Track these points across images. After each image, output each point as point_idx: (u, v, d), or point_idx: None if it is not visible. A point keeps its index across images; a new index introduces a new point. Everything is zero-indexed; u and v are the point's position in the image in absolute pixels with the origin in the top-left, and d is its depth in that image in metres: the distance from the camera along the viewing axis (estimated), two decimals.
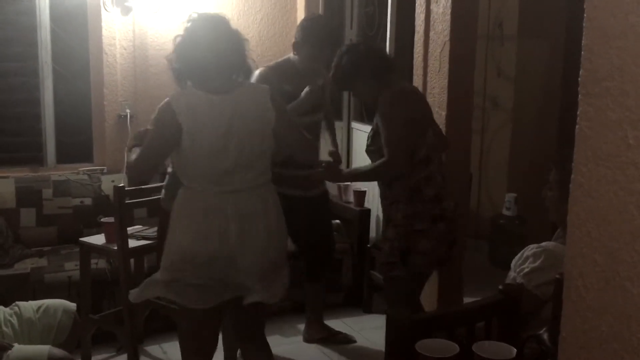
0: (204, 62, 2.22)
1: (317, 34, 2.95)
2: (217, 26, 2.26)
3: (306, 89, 3.01)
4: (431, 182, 2.68)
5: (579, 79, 1.17)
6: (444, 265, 2.90)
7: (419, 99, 2.80)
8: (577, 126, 1.18)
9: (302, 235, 3.28)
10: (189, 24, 2.27)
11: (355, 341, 3.51)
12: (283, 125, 2.31)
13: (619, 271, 1.15)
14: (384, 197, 2.81)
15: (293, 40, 4.54)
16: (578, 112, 1.18)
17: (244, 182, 2.24)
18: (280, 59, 3.27)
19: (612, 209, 1.15)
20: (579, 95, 1.18)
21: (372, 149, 2.75)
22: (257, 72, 2.92)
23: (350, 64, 2.72)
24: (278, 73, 3.05)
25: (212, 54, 2.21)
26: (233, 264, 2.22)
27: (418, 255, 2.66)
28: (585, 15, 1.15)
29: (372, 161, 2.75)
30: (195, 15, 2.28)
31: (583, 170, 1.18)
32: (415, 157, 2.66)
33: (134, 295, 2.37)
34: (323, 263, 3.39)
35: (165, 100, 2.22)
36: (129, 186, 3.24)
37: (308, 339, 3.51)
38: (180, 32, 2.27)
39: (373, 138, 2.74)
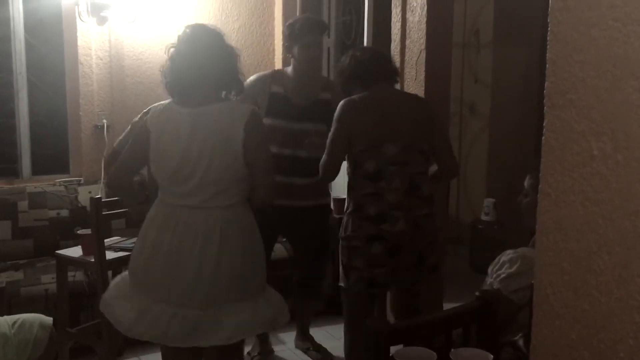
0: (185, 76, 2.22)
1: (300, 30, 2.96)
2: (203, 40, 2.24)
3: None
4: (377, 199, 2.53)
5: (545, 91, 1.19)
6: (385, 289, 2.81)
7: (377, 110, 2.60)
8: (543, 137, 1.20)
9: (298, 244, 3.31)
10: (181, 36, 2.26)
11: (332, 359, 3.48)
12: (253, 153, 2.20)
13: (587, 280, 1.17)
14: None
15: (272, 48, 4.63)
16: (544, 124, 1.20)
17: (197, 200, 2.18)
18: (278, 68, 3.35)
19: (578, 218, 1.16)
20: (545, 107, 1.20)
21: None
22: (251, 77, 3.04)
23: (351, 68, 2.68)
24: (270, 76, 3.09)
25: (197, 69, 2.20)
26: (173, 282, 2.17)
27: (353, 272, 2.61)
28: (549, 28, 1.17)
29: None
30: (189, 29, 2.26)
31: (550, 180, 1.20)
32: (362, 170, 2.57)
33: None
34: (316, 275, 3.33)
35: (145, 109, 2.29)
36: (107, 197, 3.22)
37: (297, 346, 3.54)
38: (173, 42, 2.27)
39: None
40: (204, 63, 2.21)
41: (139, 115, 3.02)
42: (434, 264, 2.66)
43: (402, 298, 2.77)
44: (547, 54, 1.17)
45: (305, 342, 3.49)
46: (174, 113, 2.23)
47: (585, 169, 1.14)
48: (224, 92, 2.29)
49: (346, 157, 2.64)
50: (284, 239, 3.57)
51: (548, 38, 1.17)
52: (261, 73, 3.17)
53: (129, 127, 3.16)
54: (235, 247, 2.21)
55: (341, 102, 2.61)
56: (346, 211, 2.66)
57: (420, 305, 2.74)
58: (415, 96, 2.88)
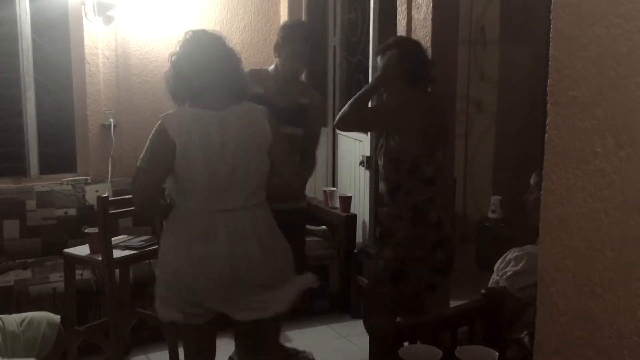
0: (199, 81, 2.20)
1: (296, 34, 2.94)
2: (211, 44, 2.24)
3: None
4: (434, 205, 2.59)
5: (547, 88, 1.19)
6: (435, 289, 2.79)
7: (436, 112, 2.67)
8: (546, 134, 1.19)
9: None
10: (183, 42, 2.24)
11: None
12: (279, 149, 2.28)
13: (591, 277, 1.17)
14: (385, 204, 2.71)
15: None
16: (547, 121, 1.19)
17: (237, 201, 2.20)
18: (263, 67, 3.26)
19: (581, 215, 1.16)
20: (548, 104, 1.19)
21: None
22: None
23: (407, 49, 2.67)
24: (253, 76, 3.02)
25: (207, 73, 2.20)
26: (224, 285, 2.19)
27: (413, 280, 2.61)
28: (551, 26, 1.17)
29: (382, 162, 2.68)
30: (190, 33, 2.25)
31: (553, 177, 1.20)
32: (422, 175, 2.57)
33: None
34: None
35: (158, 122, 2.19)
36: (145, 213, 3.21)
37: None
38: (175, 49, 2.24)
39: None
40: (210, 65, 2.21)
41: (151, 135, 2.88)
42: None
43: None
44: (550, 51, 1.17)
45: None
46: (198, 118, 2.18)
47: (588, 166, 1.13)
48: (236, 96, 2.29)
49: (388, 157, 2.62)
50: None
51: (550, 35, 1.16)
52: None
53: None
54: (274, 244, 2.29)
55: (416, 99, 2.59)
56: (398, 216, 2.62)
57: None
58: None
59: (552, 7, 1.18)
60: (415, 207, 2.57)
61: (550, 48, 1.18)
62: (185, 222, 2.22)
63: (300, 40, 2.91)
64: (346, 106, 2.60)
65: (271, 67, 3.03)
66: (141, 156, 2.21)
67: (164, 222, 2.38)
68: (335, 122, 2.68)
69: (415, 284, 2.62)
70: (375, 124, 2.78)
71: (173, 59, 2.24)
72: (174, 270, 2.20)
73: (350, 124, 2.69)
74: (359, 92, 2.61)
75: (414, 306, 2.76)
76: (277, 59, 3.00)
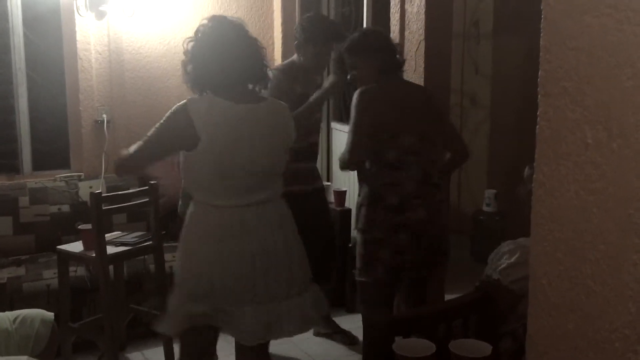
0: (226, 68, 2.13)
1: (318, 32, 2.95)
2: (237, 30, 2.18)
3: (330, 79, 2.96)
4: (397, 188, 2.58)
5: (538, 79, 1.18)
6: (410, 275, 2.75)
7: (394, 101, 2.64)
8: (537, 126, 1.19)
9: (308, 232, 3.25)
10: (205, 28, 2.16)
11: (357, 343, 3.48)
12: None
13: (582, 270, 1.16)
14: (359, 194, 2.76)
15: (271, 42, 4.61)
16: (538, 112, 1.19)
17: (263, 196, 2.18)
18: (286, 61, 3.29)
19: (573, 208, 1.16)
20: (539, 96, 1.18)
21: None
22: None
23: (371, 44, 2.66)
24: (288, 75, 3.05)
25: (233, 59, 2.13)
26: (255, 283, 2.14)
27: (377, 263, 2.61)
28: (542, 16, 1.16)
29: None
30: (211, 20, 2.17)
31: (544, 169, 1.19)
32: (382, 159, 2.60)
33: (167, 328, 2.22)
34: (330, 259, 3.35)
35: (183, 102, 2.10)
36: (118, 176, 3.21)
37: (315, 333, 3.56)
38: (195, 36, 2.16)
39: None
40: (236, 54, 2.13)
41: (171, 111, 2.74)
42: (446, 248, 2.73)
43: (413, 287, 2.77)
44: (541, 42, 1.16)
45: (328, 327, 3.50)
46: (228, 110, 2.11)
47: (580, 158, 1.13)
48: (259, 85, 2.25)
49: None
50: None
51: (541, 25, 1.15)
52: (276, 72, 3.02)
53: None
54: (295, 236, 2.29)
55: (358, 92, 2.62)
56: (361, 203, 2.66)
57: (426, 293, 2.77)
58: (419, 86, 2.94)
59: None
60: (373, 191, 2.61)
61: (541, 39, 1.17)
62: (216, 218, 2.14)
63: (322, 40, 2.98)
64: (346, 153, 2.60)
65: (293, 61, 3.10)
66: (153, 132, 2.12)
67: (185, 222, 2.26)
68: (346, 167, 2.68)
69: (383, 267, 2.61)
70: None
71: (190, 46, 2.16)
72: (208, 268, 2.12)
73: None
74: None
75: (412, 290, 2.78)
76: (301, 57, 3.02)
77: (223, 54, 2.13)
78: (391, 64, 2.69)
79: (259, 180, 2.17)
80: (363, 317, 2.84)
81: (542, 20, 1.16)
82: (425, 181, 2.62)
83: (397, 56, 2.75)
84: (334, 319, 3.73)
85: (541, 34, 1.17)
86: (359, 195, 2.76)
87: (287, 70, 3.10)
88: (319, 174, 3.39)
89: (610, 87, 1.07)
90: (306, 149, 3.17)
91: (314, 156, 3.35)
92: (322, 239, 3.29)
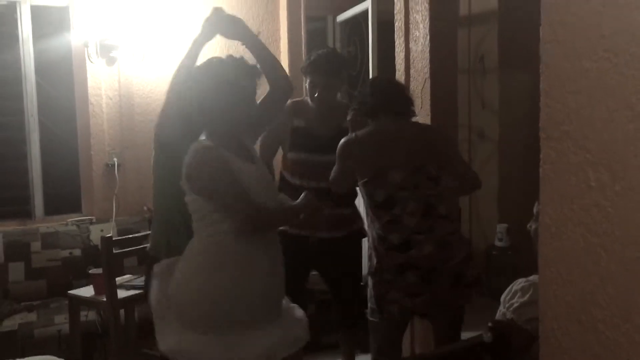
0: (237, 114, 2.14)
1: (311, 62, 2.97)
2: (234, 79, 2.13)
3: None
4: (397, 226, 2.53)
5: (539, 123, 1.19)
6: (425, 316, 2.73)
7: (377, 141, 2.63)
8: (540, 169, 1.19)
9: (332, 277, 3.21)
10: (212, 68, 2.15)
11: None
12: None
13: (593, 313, 1.15)
14: None
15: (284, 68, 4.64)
16: (541, 155, 1.19)
17: None
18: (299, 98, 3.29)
19: (580, 250, 1.15)
20: (540, 139, 1.19)
21: None
22: None
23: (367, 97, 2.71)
24: (292, 109, 3.03)
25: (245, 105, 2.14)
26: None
27: (392, 305, 2.58)
28: (541, 60, 1.17)
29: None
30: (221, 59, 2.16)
31: (550, 212, 1.19)
32: (373, 201, 2.58)
33: None
34: (357, 306, 3.24)
35: (212, 158, 2.06)
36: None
37: None
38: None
39: None
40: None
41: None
42: (474, 279, 2.62)
43: (444, 326, 2.71)
44: (541, 85, 1.17)
45: None
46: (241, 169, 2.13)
47: (584, 200, 1.12)
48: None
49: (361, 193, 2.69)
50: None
51: (540, 70, 1.16)
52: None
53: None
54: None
55: (341, 141, 2.65)
56: (369, 247, 2.66)
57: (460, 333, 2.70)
58: (422, 124, 2.91)
59: (540, 42, 1.18)
60: (377, 233, 2.61)
61: (540, 82, 1.18)
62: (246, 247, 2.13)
63: (314, 69, 2.94)
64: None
65: (307, 97, 3.06)
66: (236, 199, 2.07)
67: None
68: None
69: (395, 308, 2.58)
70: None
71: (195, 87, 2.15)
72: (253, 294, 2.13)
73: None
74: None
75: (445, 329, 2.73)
76: (310, 90, 3.01)
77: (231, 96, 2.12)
78: (385, 108, 2.67)
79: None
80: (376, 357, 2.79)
81: (540, 64, 1.17)
82: (428, 214, 2.54)
83: (402, 97, 2.74)
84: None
85: (541, 78, 1.17)
86: (368, 240, 2.75)
87: (292, 103, 3.09)
88: (350, 219, 3.19)
89: (611, 130, 1.07)
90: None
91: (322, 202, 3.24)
92: (352, 287, 3.24)
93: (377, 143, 2.62)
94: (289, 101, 3.14)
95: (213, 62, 2.17)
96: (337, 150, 2.65)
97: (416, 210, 2.53)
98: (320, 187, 2.92)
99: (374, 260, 2.61)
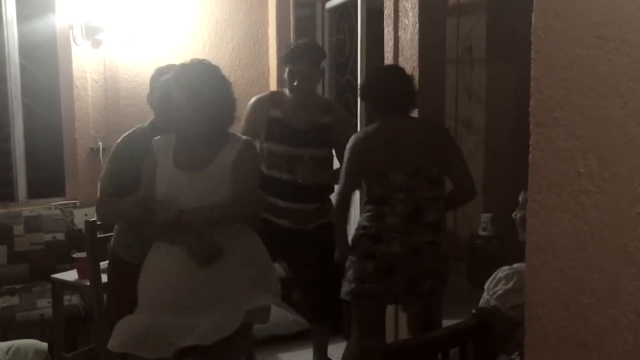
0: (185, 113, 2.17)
1: (289, 52, 2.95)
2: (203, 75, 2.20)
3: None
4: (378, 221, 2.62)
5: (530, 109, 1.19)
6: (379, 305, 2.77)
7: (385, 140, 2.66)
8: (530, 155, 1.19)
9: (305, 272, 3.17)
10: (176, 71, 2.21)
11: None
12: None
13: (579, 299, 1.16)
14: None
15: (266, 68, 4.65)
16: (530, 142, 1.19)
17: None
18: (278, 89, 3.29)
19: (568, 237, 1.15)
20: (530, 125, 1.19)
21: None
22: (251, 99, 3.06)
23: (370, 82, 2.75)
24: (269, 99, 3.03)
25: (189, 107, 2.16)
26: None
27: (345, 283, 2.72)
28: (532, 47, 1.17)
29: None
30: (184, 64, 2.23)
31: (538, 198, 1.19)
32: (370, 194, 2.68)
33: None
34: (328, 304, 3.19)
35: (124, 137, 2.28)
36: None
37: None
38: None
39: None
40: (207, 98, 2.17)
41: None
42: (429, 291, 2.66)
43: (419, 314, 2.79)
44: (532, 72, 1.17)
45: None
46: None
47: (573, 187, 1.13)
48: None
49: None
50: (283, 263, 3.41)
51: (532, 56, 1.16)
52: (260, 96, 3.10)
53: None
54: None
55: (352, 137, 2.70)
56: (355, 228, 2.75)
57: (437, 321, 2.77)
58: (428, 122, 2.90)
59: (532, 28, 1.18)
60: (360, 220, 2.70)
61: (531, 69, 1.18)
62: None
63: (293, 57, 2.92)
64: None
65: (287, 89, 3.03)
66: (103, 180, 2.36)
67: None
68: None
69: (350, 288, 2.67)
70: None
71: (164, 82, 2.23)
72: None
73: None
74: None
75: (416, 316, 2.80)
76: (288, 80, 2.99)
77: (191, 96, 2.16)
78: (396, 103, 2.70)
79: None
80: (361, 346, 2.80)
81: (532, 51, 1.17)
82: (412, 219, 2.59)
83: (410, 91, 2.75)
84: (332, 345, 3.70)
85: (532, 65, 1.18)
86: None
87: (270, 95, 3.10)
88: (323, 212, 3.16)
89: (601, 117, 1.07)
90: (286, 185, 3.04)
91: (298, 196, 3.11)
92: (327, 280, 3.19)
93: (382, 142, 2.66)
94: (266, 92, 3.16)
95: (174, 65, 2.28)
96: (347, 146, 2.67)
97: (402, 213, 2.60)
98: (293, 180, 2.92)
99: (351, 242, 2.72)
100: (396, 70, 2.86)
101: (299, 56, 2.91)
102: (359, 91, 2.86)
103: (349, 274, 2.69)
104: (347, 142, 2.76)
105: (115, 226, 2.69)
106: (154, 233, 2.25)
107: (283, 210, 2.98)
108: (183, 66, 2.21)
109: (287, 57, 2.94)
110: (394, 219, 2.60)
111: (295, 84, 2.91)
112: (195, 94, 2.15)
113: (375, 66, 2.96)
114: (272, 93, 3.13)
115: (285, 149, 2.97)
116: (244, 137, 2.35)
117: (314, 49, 3.01)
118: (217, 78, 2.24)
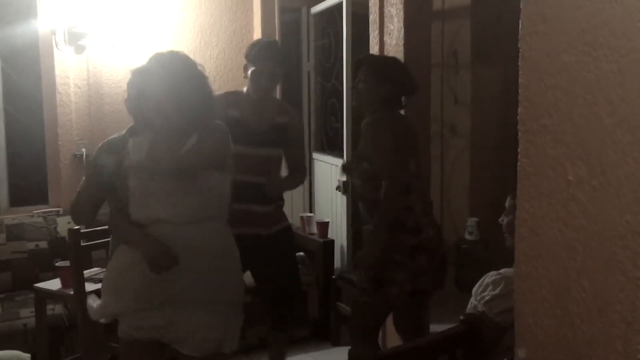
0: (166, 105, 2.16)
1: (257, 51, 2.91)
2: (178, 67, 2.23)
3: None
4: (412, 212, 2.62)
5: (518, 116, 1.18)
6: (418, 298, 2.74)
7: (405, 127, 2.73)
8: (518, 163, 1.18)
9: (264, 280, 3.04)
10: (151, 62, 2.23)
11: None
12: None
13: (569, 308, 1.15)
14: (365, 222, 2.76)
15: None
16: (519, 149, 1.18)
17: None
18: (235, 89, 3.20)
19: (557, 245, 1.15)
20: (519, 132, 1.18)
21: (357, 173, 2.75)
22: None
23: (382, 69, 2.75)
24: (226, 99, 2.92)
25: (166, 94, 2.16)
26: None
27: (394, 286, 2.60)
28: (520, 53, 1.16)
29: (362, 184, 2.71)
30: (159, 55, 2.25)
31: (527, 206, 1.18)
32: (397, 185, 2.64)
33: None
34: (290, 312, 3.12)
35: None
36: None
37: None
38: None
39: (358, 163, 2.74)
40: (185, 92, 2.16)
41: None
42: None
43: (410, 317, 2.78)
44: (519, 79, 1.16)
45: None
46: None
47: (562, 195, 1.12)
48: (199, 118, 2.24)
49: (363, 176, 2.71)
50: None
51: (519, 63, 1.16)
52: (215, 94, 3.04)
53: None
54: None
55: (370, 121, 2.70)
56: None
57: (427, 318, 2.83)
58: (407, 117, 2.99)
59: (519, 35, 1.17)
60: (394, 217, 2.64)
61: (519, 76, 1.17)
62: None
63: (259, 57, 2.87)
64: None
65: (245, 89, 2.99)
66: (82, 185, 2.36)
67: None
68: None
69: (398, 289, 2.61)
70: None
71: (138, 76, 2.25)
72: None
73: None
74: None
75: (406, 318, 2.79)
76: (248, 79, 2.93)
77: (169, 88, 2.18)
78: (395, 97, 2.73)
79: None
80: (350, 353, 2.79)
81: (519, 58, 1.17)
82: (428, 201, 2.75)
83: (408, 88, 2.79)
84: (318, 352, 3.68)
85: (520, 72, 1.17)
86: (365, 221, 2.76)
87: (226, 94, 2.97)
88: (281, 215, 3.08)
89: (590, 125, 1.07)
90: (246, 187, 2.86)
91: (258, 198, 2.98)
92: (289, 285, 3.10)
93: (403, 130, 2.70)
94: (224, 91, 3.08)
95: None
96: (376, 128, 2.65)
97: (423, 197, 2.72)
98: (250, 181, 2.80)
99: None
100: (402, 63, 2.94)
101: (267, 56, 2.86)
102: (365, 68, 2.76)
103: (396, 275, 2.59)
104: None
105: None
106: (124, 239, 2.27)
107: (243, 213, 2.80)
108: (157, 55, 2.24)
109: (254, 56, 2.88)
110: (419, 206, 2.66)
111: (262, 83, 2.88)
112: (171, 83, 2.17)
113: (395, 58, 2.97)
114: (227, 93, 3.00)
115: (245, 149, 2.78)
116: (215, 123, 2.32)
117: (280, 49, 2.99)
118: (191, 67, 2.26)
